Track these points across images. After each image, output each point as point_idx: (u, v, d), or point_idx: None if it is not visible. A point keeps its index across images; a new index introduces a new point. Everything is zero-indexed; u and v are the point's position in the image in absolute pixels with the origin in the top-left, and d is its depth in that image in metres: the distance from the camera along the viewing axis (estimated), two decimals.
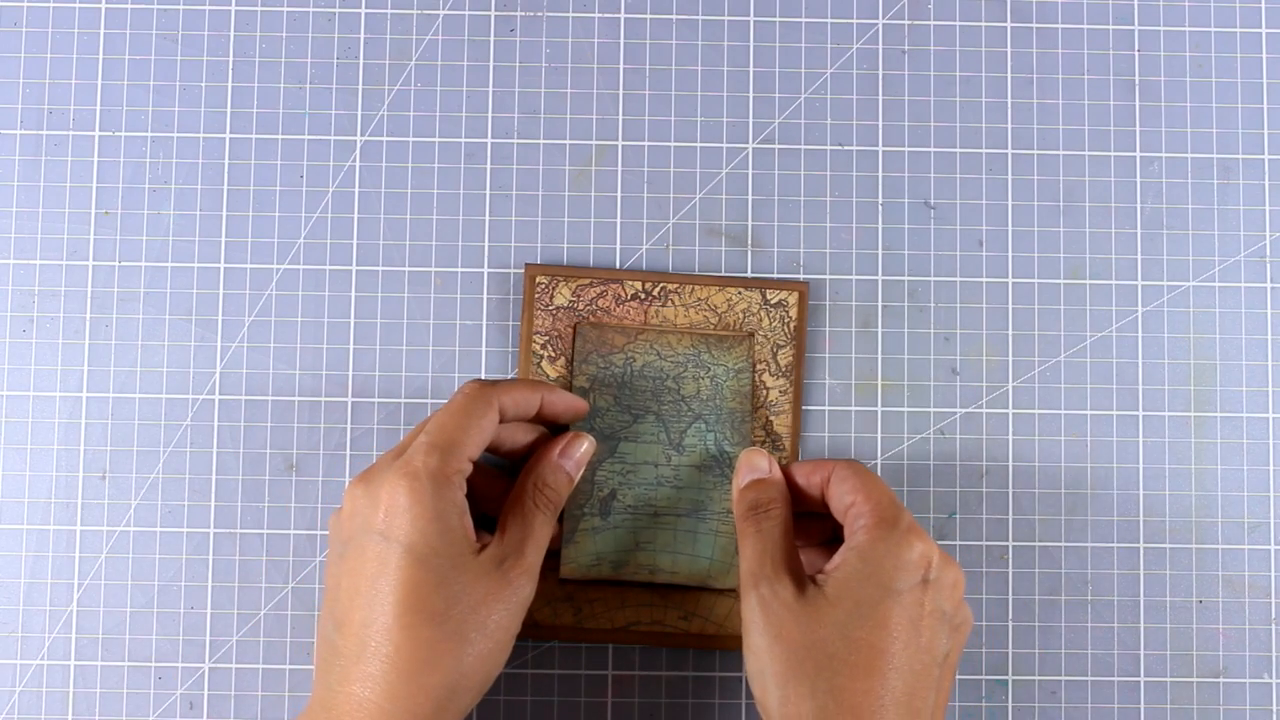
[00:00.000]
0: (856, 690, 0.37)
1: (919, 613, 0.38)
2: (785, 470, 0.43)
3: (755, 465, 0.43)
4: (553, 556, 0.45)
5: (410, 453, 0.39)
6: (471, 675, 0.38)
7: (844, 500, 0.41)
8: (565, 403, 0.43)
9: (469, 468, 0.39)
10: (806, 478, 0.42)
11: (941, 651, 0.38)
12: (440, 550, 0.38)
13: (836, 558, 0.39)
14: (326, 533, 0.46)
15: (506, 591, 0.38)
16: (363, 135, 0.47)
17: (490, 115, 0.47)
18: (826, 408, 0.47)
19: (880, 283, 0.47)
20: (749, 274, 0.47)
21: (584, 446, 0.43)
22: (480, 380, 0.41)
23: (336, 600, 0.38)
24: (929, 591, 0.38)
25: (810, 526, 0.43)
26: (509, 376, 0.46)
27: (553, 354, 0.46)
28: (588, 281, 0.46)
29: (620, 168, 0.47)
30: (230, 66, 0.47)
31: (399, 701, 0.36)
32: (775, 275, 0.47)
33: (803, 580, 0.39)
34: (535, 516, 0.41)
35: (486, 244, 0.47)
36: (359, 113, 0.47)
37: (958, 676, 0.46)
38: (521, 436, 0.43)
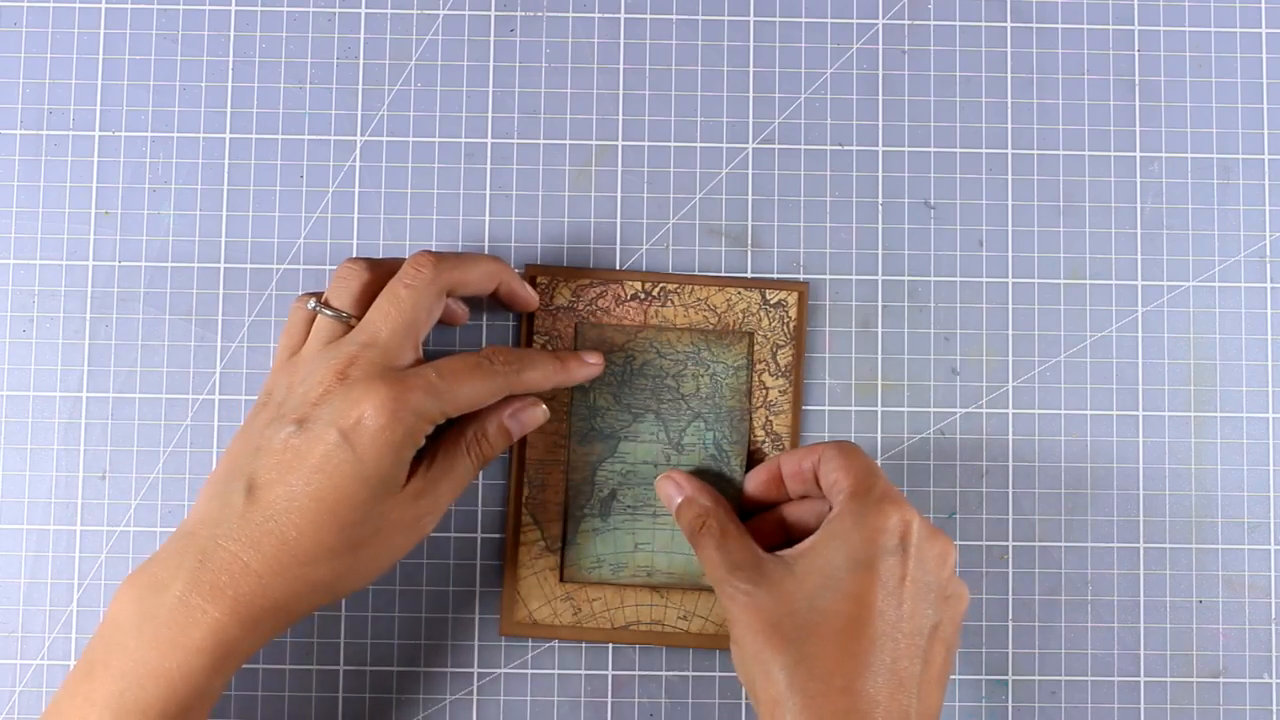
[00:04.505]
0: (827, 657, 0.37)
1: (895, 581, 0.38)
2: (776, 460, 0.44)
3: (667, 496, 0.44)
4: (554, 556, 0.45)
5: (411, 381, 0.39)
6: (346, 579, 0.39)
7: (830, 479, 0.41)
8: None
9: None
10: (798, 464, 0.42)
11: (926, 621, 0.38)
12: (383, 479, 0.38)
13: (813, 534, 0.40)
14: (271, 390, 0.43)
15: (412, 528, 0.40)
16: (363, 135, 0.47)
17: (490, 115, 0.47)
18: (826, 408, 0.47)
19: (880, 283, 0.47)
20: (749, 274, 0.47)
21: (536, 413, 0.43)
22: (514, 354, 0.42)
23: (259, 463, 0.38)
24: (908, 560, 0.38)
25: (804, 513, 0.43)
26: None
27: None
28: (588, 281, 0.46)
29: (620, 168, 0.47)
30: (230, 66, 0.47)
31: (280, 580, 0.37)
32: (775, 275, 0.47)
33: (760, 568, 0.39)
34: (463, 463, 0.41)
35: (486, 244, 0.47)
36: (359, 113, 0.47)
37: (958, 677, 0.46)
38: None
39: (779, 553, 0.40)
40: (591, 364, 0.44)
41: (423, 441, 0.39)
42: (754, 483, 0.44)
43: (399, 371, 0.39)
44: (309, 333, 0.42)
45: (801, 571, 0.39)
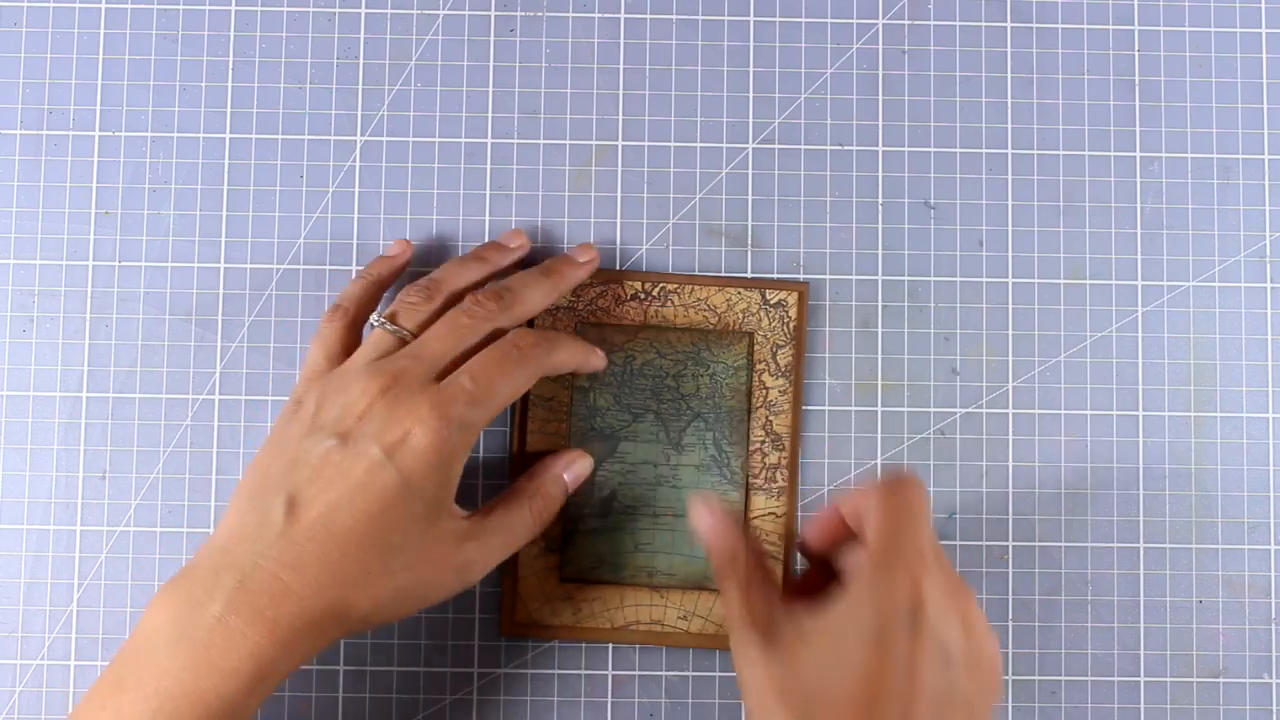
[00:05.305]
0: None
1: (906, 655, 0.35)
2: (834, 505, 0.40)
3: (698, 517, 0.41)
4: (554, 556, 0.45)
5: (449, 393, 0.38)
6: (382, 608, 0.38)
7: (865, 529, 0.38)
8: (596, 365, 0.45)
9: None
10: (854, 506, 0.39)
11: (944, 692, 0.35)
12: (427, 498, 0.38)
13: (832, 597, 0.37)
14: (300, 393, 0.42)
15: (456, 573, 0.39)
16: (363, 135, 0.47)
17: (490, 115, 0.47)
18: (826, 408, 0.47)
19: (880, 283, 0.47)
20: (749, 274, 0.47)
21: (586, 466, 0.44)
22: (539, 335, 0.42)
23: (298, 477, 0.38)
24: (922, 632, 0.35)
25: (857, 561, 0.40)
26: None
27: None
28: (588, 281, 0.46)
29: (620, 168, 0.47)
30: (230, 66, 0.47)
31: (319, 602, 0.36)
32: (775, 275, 0.47)
33: (774, 628, 0.37)
34: (523, 518, 0.41)
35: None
36: (359, 113, 0.47)
37: None
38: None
39: (798, 611, 0.37)
40: (601, 355, 0.45)
41: (467, 454, 0.39)
42: (812, 533, 0.41)
43: (437, 386, 0.39)
44: (346, 345, 0.42)
45: (815, 641, 0.36)
